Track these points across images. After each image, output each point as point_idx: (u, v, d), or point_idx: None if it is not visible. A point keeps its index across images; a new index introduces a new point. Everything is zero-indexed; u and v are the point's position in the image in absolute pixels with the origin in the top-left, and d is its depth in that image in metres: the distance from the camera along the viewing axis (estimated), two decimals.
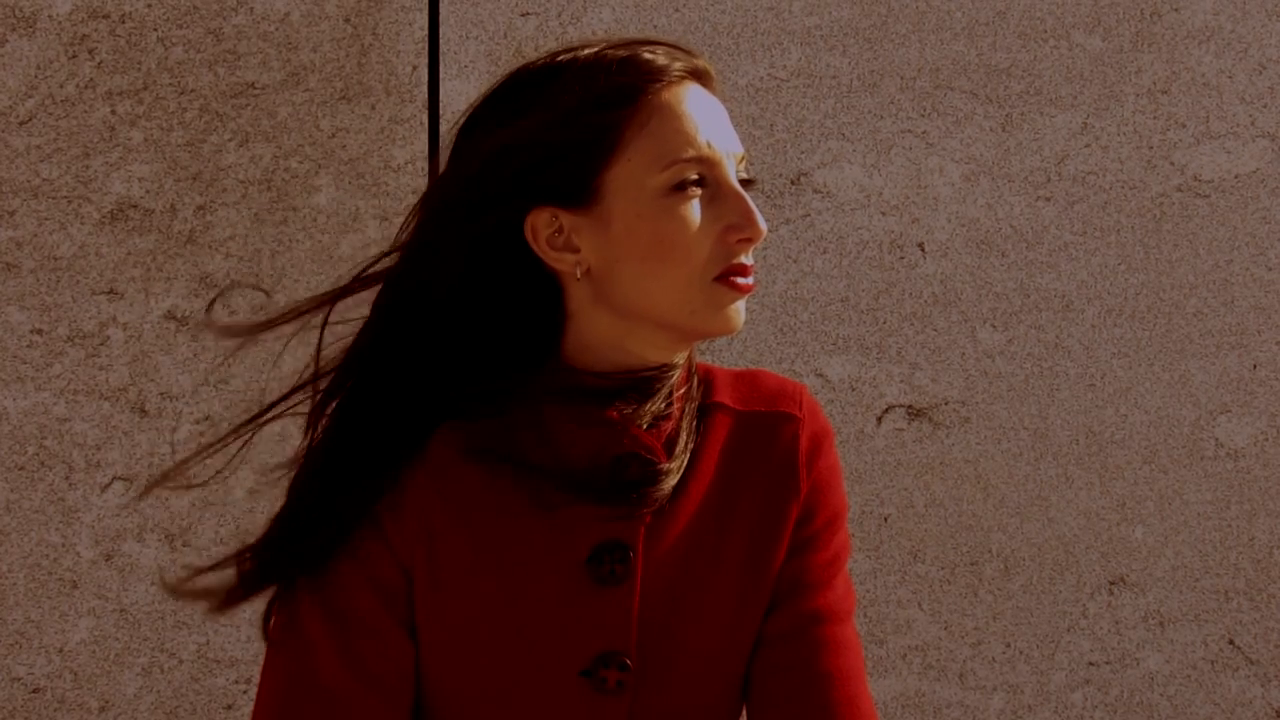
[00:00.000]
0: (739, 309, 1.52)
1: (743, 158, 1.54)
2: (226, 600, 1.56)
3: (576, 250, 1.52)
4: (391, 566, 1.53)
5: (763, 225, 1.50)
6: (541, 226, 1.52)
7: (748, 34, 2.91)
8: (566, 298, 1.55)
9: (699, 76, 1.53)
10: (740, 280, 1.50)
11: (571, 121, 1.49)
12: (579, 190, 1.51)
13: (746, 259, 1.51)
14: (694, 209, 1.49)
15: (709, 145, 1.50)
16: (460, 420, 1.54)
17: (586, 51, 1.52)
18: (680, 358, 1.57)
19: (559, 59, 1.53)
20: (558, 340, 1.56)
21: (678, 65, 1.51)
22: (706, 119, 1.51)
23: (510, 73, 1.56)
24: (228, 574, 1.56)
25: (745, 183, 1.54)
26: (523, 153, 1.51)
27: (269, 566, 1.53)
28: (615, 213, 1.50)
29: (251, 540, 1.57)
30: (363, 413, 1.55)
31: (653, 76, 1.50)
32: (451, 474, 1.53)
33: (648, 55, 1.51)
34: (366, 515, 1.52)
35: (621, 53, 1.51)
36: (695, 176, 1.50)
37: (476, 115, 1.57)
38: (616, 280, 1.52)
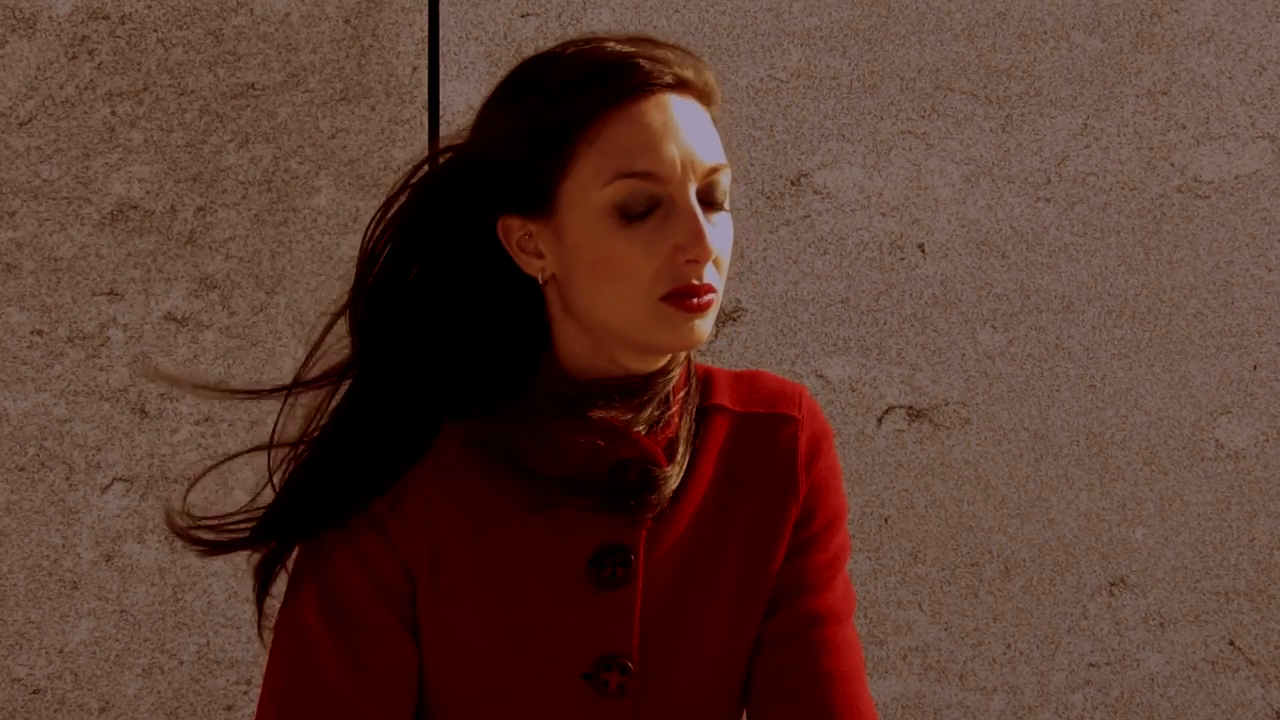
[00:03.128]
0: (695, 326, 1.49)
1: (715, 170, 1.50)
2: (218, 548, 1.57)
3: (542, 256, 1.52)
4: (394, 567, 1.53)
5: (711, 246, 1.47)
6: (513, 229, 1.53)
7: (748, 35, 2.91)
8: (546, 302, 1.56)
9: (675, 86, 1.50)
10: (689, 300, 1.47)
11: (531, 133, 1.49)
12: (538, 200, 1.51)
13: (699, 279, 1.48)
14: (638, 228, 1.47)
15: (661, 161, 1.47)
16: (462, 422, 1.55)
17: (556, 64, 1.51)
18: (672, 363, 1.56)
19: (531, 66, 1.53)
20: (549, 343, 1.57)
21: (644, 78, 1.48)
22: (664, 133, 1.48)
23: (504, 76, 1.57)
24: (230, 527, 1.58)
25: (711, 200, 1.50)
26: (489, 163, 1.51)
27: (264, 530, 1.56)
28: (567, 226, 1.50)
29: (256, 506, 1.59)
30: (364, 408, 1.55)
31: (611, 91, 1.48)
32: (454, 477, 1.54)
33: (615, 67, 1.48)
34: (360, 506, 1.53)
35: (589, 63, 1.49)
36: (642, 192, 1.47)
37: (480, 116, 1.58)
38: (574, 292, 1.52)
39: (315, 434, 1.58)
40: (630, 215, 1.48)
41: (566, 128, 1.48)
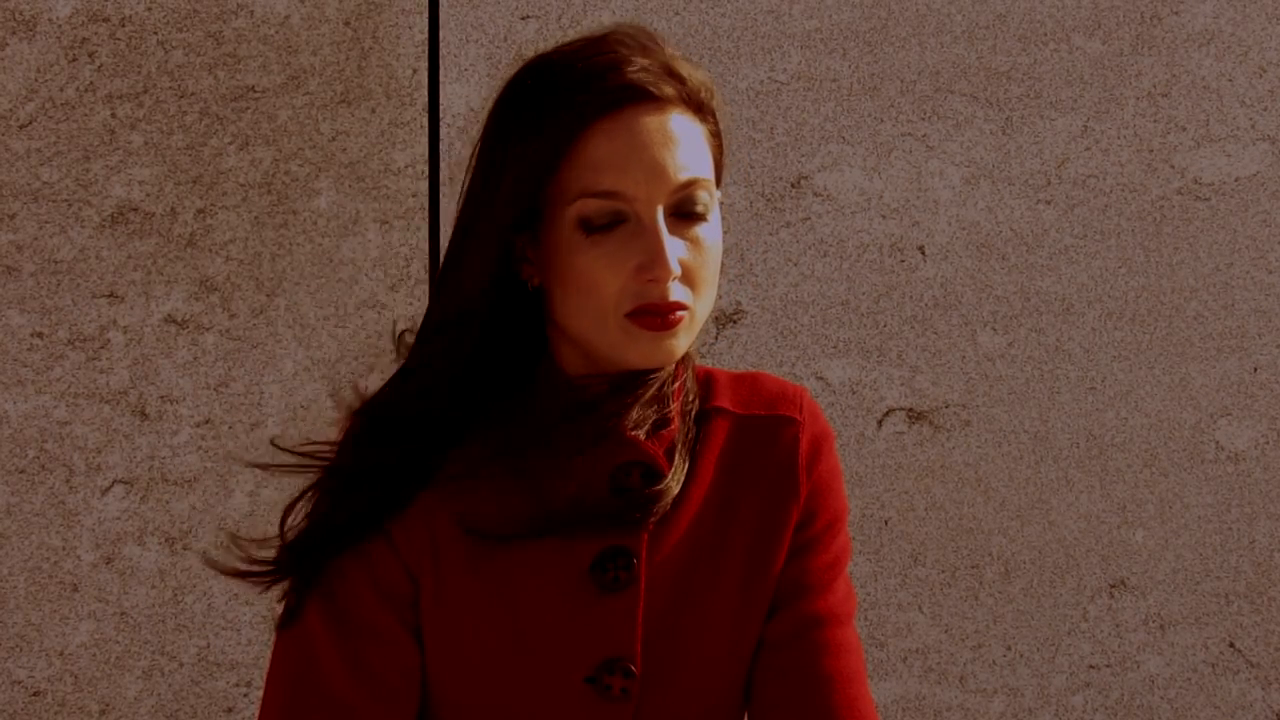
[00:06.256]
0: (664, 345, 1.50)
1: (688, 185, 1.50)
2: (253, 579, 1.57)
3: (533, 262, 1.54)
4: (398, 572, 1.54)
5: (671, 266, 1.47)
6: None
7: (748, 37, 2.91)
8: (543, 307, 1.57)
9: (650, 100, 1.50)
10: (654, 320, 1.49)
11: (517, 153, 1.50)
12: (525, 214, 1.52)
13: (663, 297, 1.48)
14: (602, 245, 1.48)
15: (625, 179, 1.48)
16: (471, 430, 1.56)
17: (538, 78, 1.52)
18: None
19: (517, 79, 1.54)
20: (547, 347, 1.58)
21: (615, 94, 1.49)
22: (631, 150, 1.48)
23: (498, 89, 1.58)
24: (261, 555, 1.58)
25: (688, 214, 1.51)
26: (482, 190, 1.53)
27: (290, 561, 1.56)
28: (545, 237, 1.52)
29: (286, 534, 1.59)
30: (389, 426, 1.55)
31: (583, 107, 1.48)
32: (456, 480, 1.54)
33: (589, 83, 1.49)
34: (379, 525, 1.53)
35: (567, 79, 1.50)
36: (606, 209, 1.48)
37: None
38: (554, 301, 1.54)
39: (329, 463, 1.58)
40: (594, 229, 1.49)
41: (543, 144, 1.49)
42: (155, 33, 2.84)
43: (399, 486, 1.54)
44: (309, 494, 1.57)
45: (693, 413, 1.59)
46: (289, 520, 1.57)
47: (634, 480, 1.53)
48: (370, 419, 1.56)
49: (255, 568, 1.57)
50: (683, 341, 1.51)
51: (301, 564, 1.55)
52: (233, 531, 1.65)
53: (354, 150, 2.84)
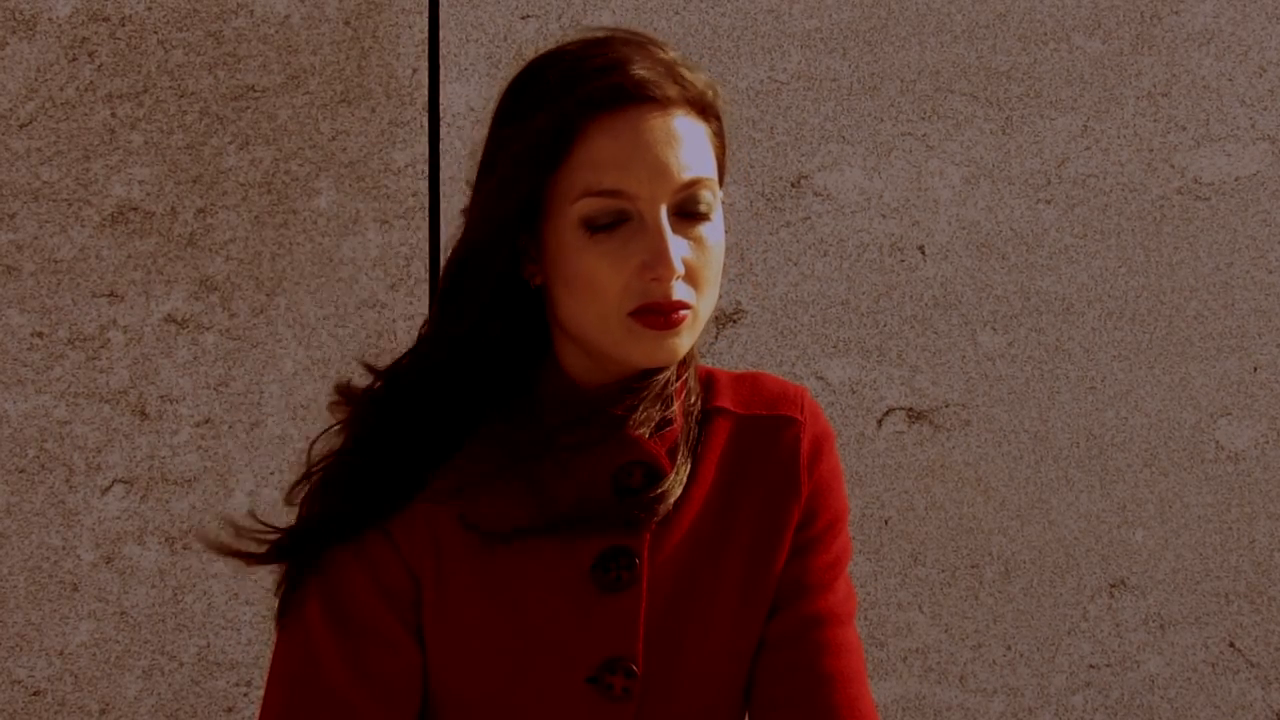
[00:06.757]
0: (666, 344, 1.50)
1: (691, 184, 1.50)
2: (248, 559, 1.57)
3: (536, 261, 1.54)
4: (400, 572, 1.54)
5: (675, 265, 1.48)
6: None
7: (748, 37, 2.91)
8: (546, 307, 1.57)
9: (653, 100, 1.50)
10: (657, 318, 1.49)
11: (520, 151, 1.50)
12: (530, 211, 1.52)
13: (666, 296, 1.48)
14: (605, 244, 1.48)
15: (629, 178, 1.48)
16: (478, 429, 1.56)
17: (542, 76, 1.52)
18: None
19: (521, 78, 1.54)
20: (550, 347, 1.58)
21: (619, 94, 1.49)
22: (634, 149, 1.48)
23: (503, 87, 1.58)
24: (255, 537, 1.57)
25: (691, 213, 1.51)
26: (486, 189, 1.53)
27: (286, 548, 1.56)
28: (547, 237, 1.52)
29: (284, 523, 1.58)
30: (396, 424, 1.55)
31: (586, 106, 1.49)
32: (459, 480, 1.54)
33: (591, 83, 1.49)
34: (384, 518, 1.53)
35: (570, 78, 1.50)
36: (610, 208, 1.48)
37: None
38: (556, 302, 1.53)
39: (334, 453, 1.58)
40: (597, 228, 1.49)
41: (546, 143, 1.49)
42: (155, 32, 2.84)
43: (399, 481, 1.54)
44: (313, 479, 1.57)
45: (695, 413, 1.59)
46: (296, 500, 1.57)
47: (636, 480, 1.54)
48: (372, 412, 1.57)
49: (251, 548, 1.56)
50: (686, 340, 1.51)
51: (299, 551, 1.55)
52: (234, 520, 1.63)
53: (354, 150, 2.84)
